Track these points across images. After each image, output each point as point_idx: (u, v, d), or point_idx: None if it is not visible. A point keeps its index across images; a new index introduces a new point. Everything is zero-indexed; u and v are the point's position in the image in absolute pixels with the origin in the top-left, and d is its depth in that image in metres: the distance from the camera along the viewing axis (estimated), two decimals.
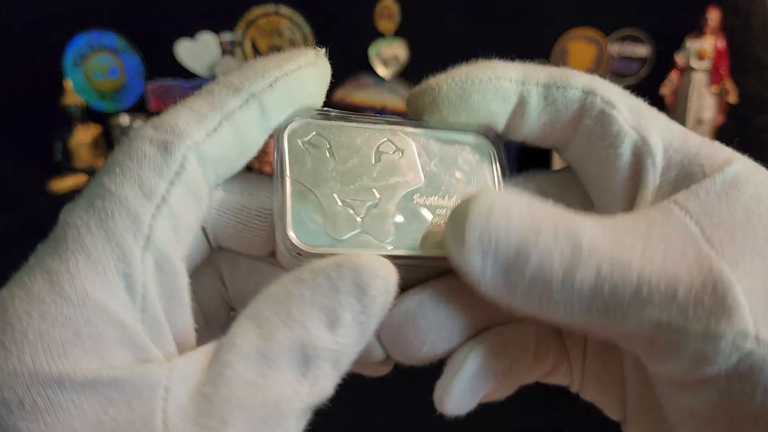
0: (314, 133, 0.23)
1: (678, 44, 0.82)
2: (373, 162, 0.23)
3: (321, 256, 0.21)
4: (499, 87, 0.23)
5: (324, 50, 0.23)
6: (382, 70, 0.83)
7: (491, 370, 0.23)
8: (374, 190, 0.23)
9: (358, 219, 0.22)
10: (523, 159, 0.63)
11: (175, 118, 0.20)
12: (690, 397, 0.20)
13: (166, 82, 0.82)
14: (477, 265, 0.20)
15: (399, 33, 0.82)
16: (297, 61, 0.22)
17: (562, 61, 0.84)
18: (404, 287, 0.21)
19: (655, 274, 0.19)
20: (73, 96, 0.79)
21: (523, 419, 0.76)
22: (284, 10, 0.81)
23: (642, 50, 0.83)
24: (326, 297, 0.19)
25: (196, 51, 0.81)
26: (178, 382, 0.18)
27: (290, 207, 0.21)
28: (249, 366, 0.18)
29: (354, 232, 0.22)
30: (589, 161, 0.24)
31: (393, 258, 0.21)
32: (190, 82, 0.83)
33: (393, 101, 0.87)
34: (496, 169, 0.25)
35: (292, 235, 0.21)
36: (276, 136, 0.22)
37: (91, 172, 0.80)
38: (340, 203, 0.22)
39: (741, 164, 0.22)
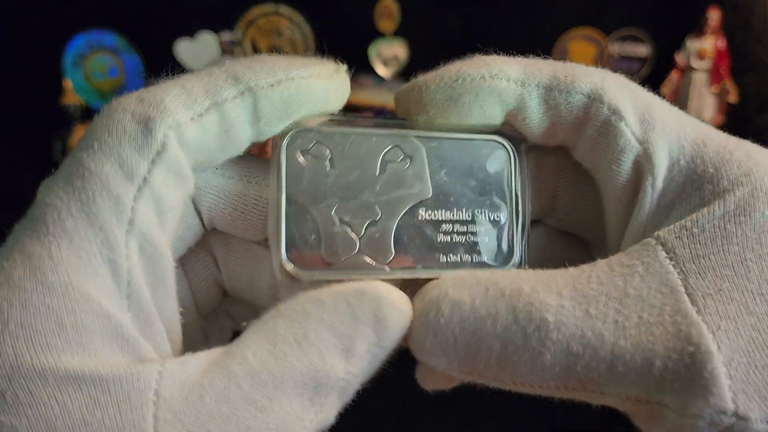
0: (315, 141, 0.21)
1: (678, 44, 0.82)
2: (377, 173, 0.21)
3: (317, 283, 0.20)
4: (494, 87, 0.21)
5: (346, 68, 0.22)
6: (381, 70, 0.83)
7: None
8: (376, 206, 0.21)
9: (357, 239, 0.21)
10: None
11: (163, 92, 0.19)
12: None
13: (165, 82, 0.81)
14: (442, 364, 0.20)
15: (399, 33, 0.82)
16: (309, 69, 0.20)
17: (562, 61, 0.83)
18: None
19: (630, 347, 0.18)
20: (72, 96, 0.79)
21: (524, 419, 0.76)
22: (284, 9, 0.81)
23: (642, 50, 0.82)
24: (345, 324, 0.18)
25: (195, 51, 0.81)
26: (170, 386, 0.17)
27: (285, 229, 0.20)
28: (257, 386, 0.17)
29: (351, 254, 0.21)
30: (592, 168, 0.22)
31: (390, 281, 0.20)
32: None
33: (393, 101, 0.87)
34: (514, 175, 0.23)
35: (286, 261, 0.20)
36: (274, 145, 0.21)
37: None
38: (338, 222, 0.21)
39: (755, 183, 0.19)
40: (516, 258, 0.23)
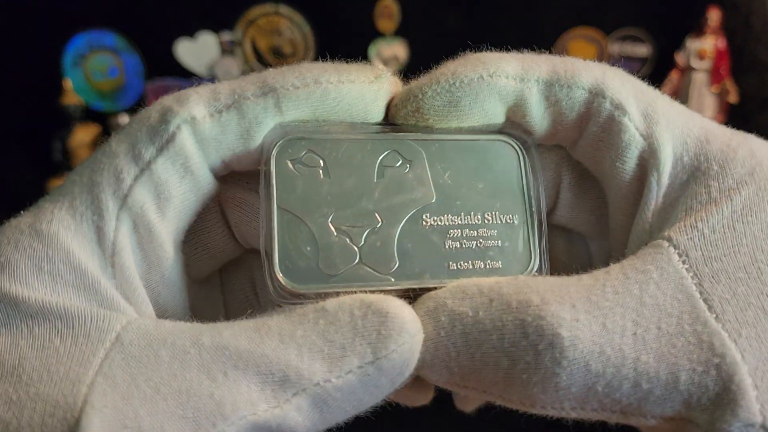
0: (306, 150, 0.20)
1: (678, 44, 0.82)
2: (375, 179, 0.20)
3: (314, 297, 0.19)
4: (493, 85, 0.20)
5: (389, 72, 0.20)
6: None
7: None
8: (375, 213, 0.20)
9: (356, 249, 0.19)
10: None
11: (195, 90, 0.20)
12: None
13: (165, 81, 0.81)
14: (443, 378, 0.19)
15: (399, 33, 0.82)
16: (343, 75, 0.20)
17: (559, 56, 0.83)
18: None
19: (653, 362, 0.17)
20: (72, 96, 0.79)
21: (523, 419, 0.76)
22: (284, 9, 0.81)
23: (642, 50, 0.82)
24: (339, 333, 0.17)
25: (195, 51, 0.81)
26: (133, 334, 0.17)
27: (278, 242, 0.19)
28: (218, 359, 0.17)
29: (351, 265, 0.19)
30: (595, 166, 0.22)
31: (394, 292, 0.19)
32: (189, 81, 0.82)
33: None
34: (525, 174, 0.21)
35: (280, 275, 0.19)
36: (263, 156, 0.20)
37: None
38: (335, 232, 0.19)
39: (759, 182, 0.19)
40: (535, 262, 0.21)
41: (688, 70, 0.82)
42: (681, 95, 0.83)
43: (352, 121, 0.20)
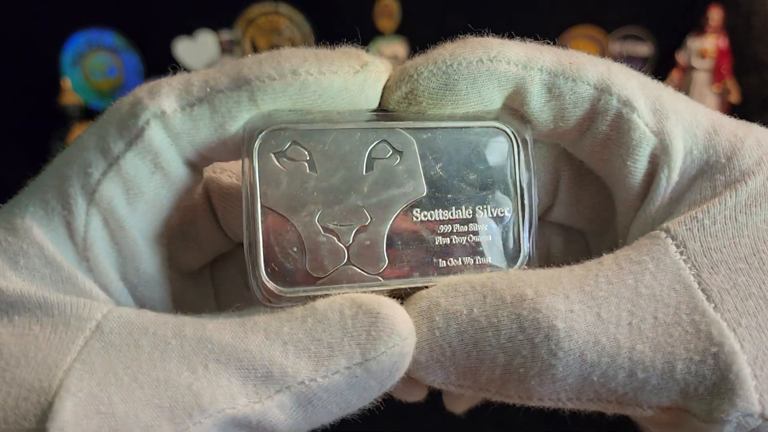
0: (291, 142, 0.19)
1: (679, 43, 0.82)
2: (364, 172, 0.19)
3: (300, 300, 0.18)
4: (493, 70, 0.19)
5: (380, 60, 0.19)
6: None
7: None
8: (365, 210, 0.19)
9: (344, 248, 0.19)
10: None
11: (167, 81, 0.19)
12: None
13: None
14: (439, 379, 0.18)
15: (399, 32, 0.81)
16: (324, 65, 0.18)
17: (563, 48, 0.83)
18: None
19: (649, 351, 0.17)
20: (71, 95, 0.79)
21: (524, 419, 0.75)
22: (284, 8, 0.81)
23: (644, 49, 0.82)
24: (328, 332, 0.17)
25: (195, 50, 0.81)
26: (114, 323, 0.17)
27: (263, 244, 0.18)
28: (199, 351, 0.17)
29: (339, 266, 0.19)
30: (602, 164, 0.21)
31: (383, 292, 0.19)
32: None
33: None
34: (518, 164, 0.20)
35: (266, 279, 0.18)
36: (244, 149, 0.18)
37: None
38: (322, 231, 0.19)
39: (766, 173, 0.19)
40: (525, 256, 0.20)
41: (689, 69, 0.82)
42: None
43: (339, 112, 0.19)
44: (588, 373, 0.17)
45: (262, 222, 0.18)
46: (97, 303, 0.18)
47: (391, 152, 0.19)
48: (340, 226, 0.19)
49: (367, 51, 0.20)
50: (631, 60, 0.82)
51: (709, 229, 0.18)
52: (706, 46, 0.80)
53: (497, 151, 0.20)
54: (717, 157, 0.19)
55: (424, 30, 0.82)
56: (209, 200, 0.22)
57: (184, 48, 0.80)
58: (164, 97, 0.18)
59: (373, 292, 0.19)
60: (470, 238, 0.20)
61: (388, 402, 0.21)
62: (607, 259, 0.18)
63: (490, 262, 0.20)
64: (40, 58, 0.78)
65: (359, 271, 0.19)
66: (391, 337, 0.17)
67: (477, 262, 0.20)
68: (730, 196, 0.18)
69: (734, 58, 0.81)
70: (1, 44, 0.77)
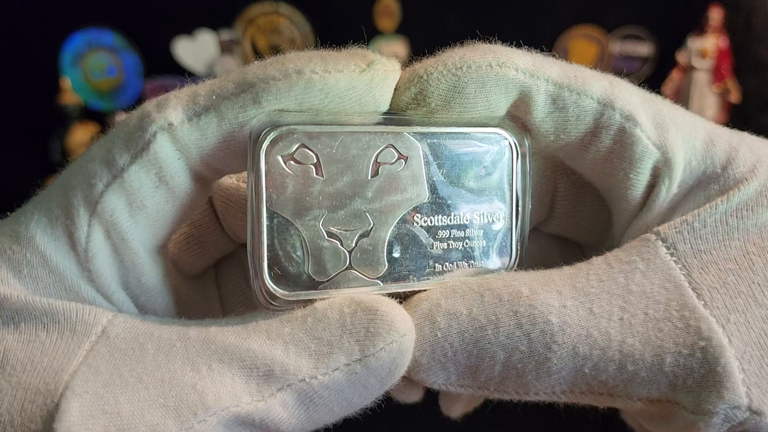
0: (298, 144, 0.18)
1: (680, 43, 0.82)
2: (369, 177, 0.19)
3: (302, 303, 0.18)
4: (501, 75, 0.19)
5: (386, 58, 0.19)
6: None
7: None
8: (367, 214, 0.19)
9: (346, 253, 0.19)
10: None
11: (175, 92, 0.19)
12: None
13: (164, 80, 0.81)
14: (440, 380, 0.19)
15: (399, 31, 0.81)
16: (329, 64, 0.18)
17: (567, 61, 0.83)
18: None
19: (639, 345, 0.17)
20: (70, 95, 0.79)
21: (523, 419, 0.76)
22: (284, 8, 0.81)
23: (644, 49, 0.82)
24: (327, 330, 0.17)
25: (194, 49, 0.81)
26: (119, 327, 0.18)
27: (267, 247, 0.18)
28: (203, 352, 0.17)
29: (341, 269, 0.19)
30: (603, 177, 0.21)
31: (382, 295, 0.19)
32: (188, 80, 0.82)
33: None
34: (515, 172, 0.21)
35: (269, 282, 0.18)
36: (251, 151, 0.18)
37: None
38: (326, 236, 0.19)
39: (759, 180, 0.19)
40: (516, 260, 0.21)
41: (689, 69, 0.82)
42: (682, 95, 0.83)
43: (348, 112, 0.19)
44: (580, 365, 0.18)
45: (267, 226, 0.18)
46: (102, 309, 0.18)
47: (396, 157, 0.20)
48: (344, 230, 0.19)
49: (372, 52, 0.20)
50: (631, 60, 0.82)
51: (699, 231, 0.19)
52: (706, 46, 0.80)
53: (497, 158, 0.21)
54: (713, 167, 0.20)
55: (424, 30, 0.82)
56: (211, 202, 0.23)
57: (183, 48, 0.80)
58: (171, 109, 0.18)
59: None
60: (466, 243, 0.20)
61: (388, 402, 0.21)
62: (597, 259, 0.19)
63: (484, 266, 0.21)
64: (39, 58, 0.78)
65: (359, 274, 0.19)
66: (390, 334, 0.17)
67: (471, 266, 0.21)
68: (722, 202, 0.19)
69: (734, 58, 0.81)
70: (0, 44, 0.77)
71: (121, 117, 0.81)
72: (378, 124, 0.20)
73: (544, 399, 0.19)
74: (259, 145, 0.18)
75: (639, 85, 0.21)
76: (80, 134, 0.80)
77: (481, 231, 0.21)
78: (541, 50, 0.21)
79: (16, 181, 0.75)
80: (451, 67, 0.19)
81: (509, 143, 0.21)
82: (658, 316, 0.18)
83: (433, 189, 0.20)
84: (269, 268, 0.18)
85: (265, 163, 0.18)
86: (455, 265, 0.20)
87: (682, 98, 0.83)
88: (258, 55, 0.82)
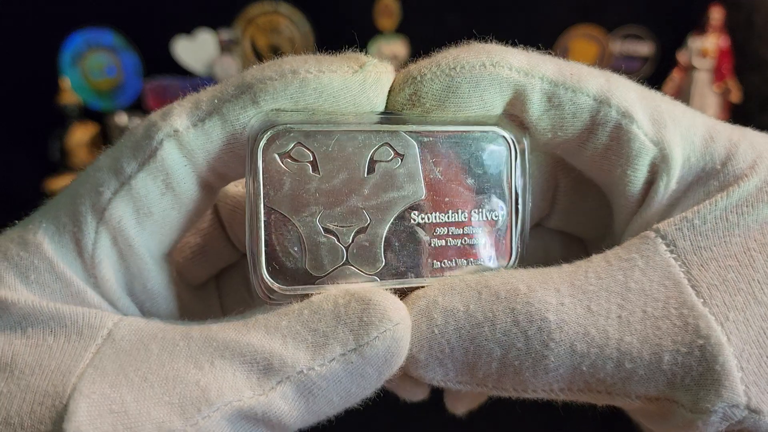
0: (295, 143, 0.19)
1: (680, 42, 0.81)
2: (365, 175, 0.19)
3: (299, 297, 0.19)
4: (495, 75, 0.19)
5: (379, 60, 0.20)
6: None
7: None
8: (364, 211, 0.19)
9: (343, 248, 0.19)
10: None
11: (178, 103, 0.19)
12: None
13: (164, 80, 0.81)
14: (438, 376, 0.19)
15: (399, 31, 0.81)
16: (324, 65, 0.19)
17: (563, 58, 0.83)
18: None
19: (637, 342, 0.17)
20: (69, 95, 0.79)
21: (523, 419, 0.76)
22: (283, 8, 0.81)
23: (644, 48, 0.82)
24: (322, 321, 0.18)
25: (194, 49, 0.80)
26: (125, 330, 0.18)
27: (265, 242, 0.19)
28: (205, 349, 0.17)
29: (338, 265, 0.19)
30: (601, 174, 0.21)
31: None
32: (188, 80, 0.82)
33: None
34: (514, 170, 0.21)
35: (266, 276, 0.19)
36: (248, 149, 0.19)
37: None
38: (322, 232, 0.19)
39: (760, 176, 0.19)
40: (514, 259, 0.21)
41: (690, 68, 0.81)
42: (683, 94, 0.83)
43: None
44: (578, 363, 0.18)
45: (264, 222, 0.19)
46: (108, 313, 0.19)
47: (392, 155, 0.20)
48: (340, 227, 0.19)
49: (367, 53, 0.20)
50: (631, 59, 0.82)
51: (699, 228, 0.19)
52: (707, 46, 0.80)
53: (495, 156, 0.21)
54: (713, 163, 0.20)
55: (424, 29, 0.81)
56: (217, 212, 0.23)
57: (183, 47, 0.80)
58: (176, 117, 0.19)
59: None
60: (465, 240, 0.21)
61: (388, 402, 0.21)
62: (596, 257, 0.19)
63: (483, 263, 0.21)
64: (38, 58, 0.78)
65: (357, 270, 0.20)
66: (383, 322, 0.18)
67: (469, 263, 0.21)
68: (722, 198, 0.19)
69: (735, 58, 0.81)
70: None
71: (120, 116, 0.81)
72: (374, 123, 0.20)
73: (542, 396, 0.19)
74: (256, 143, 0.19)
75: (639, 83, 0.21)
76: (80, 134, 0.80)
77: (480, 228, 0.21)
78: (541, 50, 0.21)
79: (16, 181, 0.75)
80: (444, 68, 0.19)
81: (507, 141, 0.21)
82: (656, 313, 0.18)
83: (430, 186, 0.20)
84: (267, 263, 0.19)
85: (263, 160, 0.19)
86: (454, 261, 0.20)
87: (682, 98, 0.83)
88: (258, 54, 0.82)
